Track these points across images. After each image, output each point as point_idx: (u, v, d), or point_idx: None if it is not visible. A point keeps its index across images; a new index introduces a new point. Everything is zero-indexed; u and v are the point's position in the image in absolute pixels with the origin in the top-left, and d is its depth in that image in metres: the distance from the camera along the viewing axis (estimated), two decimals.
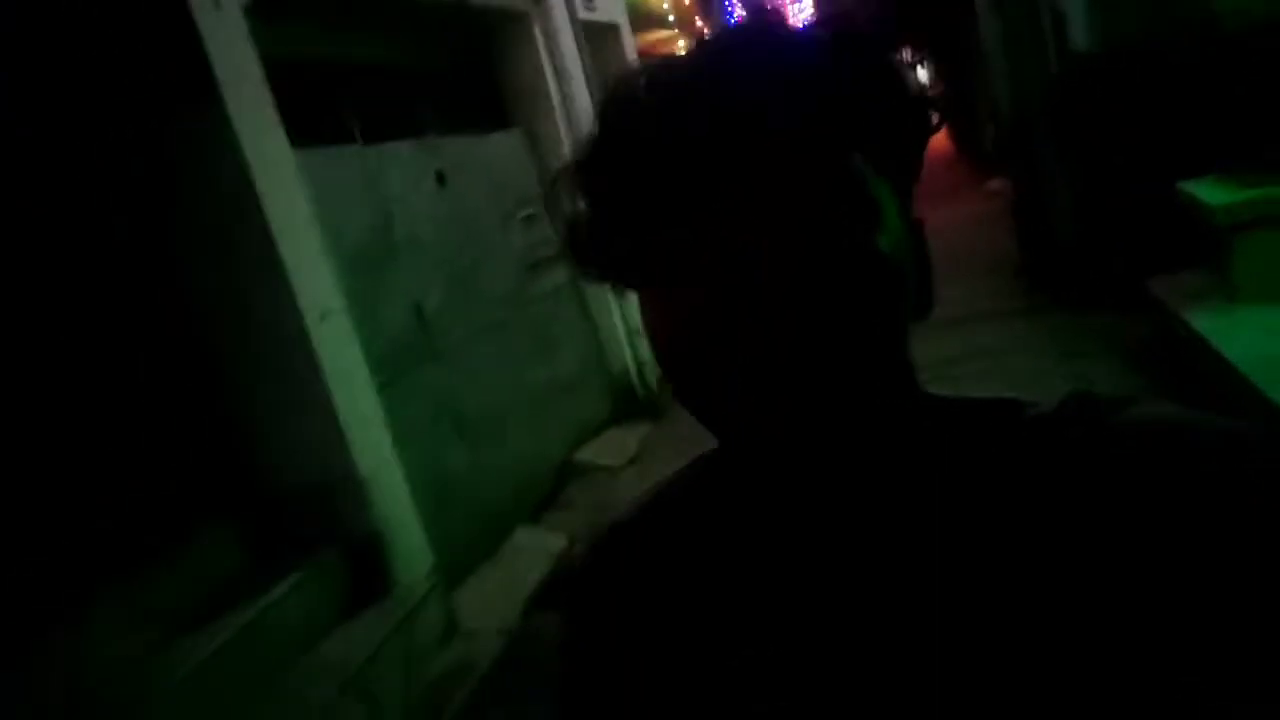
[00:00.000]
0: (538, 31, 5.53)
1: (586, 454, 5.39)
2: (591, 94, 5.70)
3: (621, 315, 5.75)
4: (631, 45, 7.30)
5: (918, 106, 0.49)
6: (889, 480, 0.49)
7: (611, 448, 5.56)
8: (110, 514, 2.58)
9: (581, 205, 0.51)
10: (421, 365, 3.90)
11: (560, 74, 5.60)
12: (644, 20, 8.95)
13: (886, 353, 0.48)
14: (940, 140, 19.11)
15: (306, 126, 3.28)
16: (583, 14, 6.07)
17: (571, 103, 5.58)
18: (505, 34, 5.52)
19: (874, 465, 0.49)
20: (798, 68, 0.46)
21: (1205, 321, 3.53)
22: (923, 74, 24.95)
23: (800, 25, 0.50)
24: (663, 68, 0.49)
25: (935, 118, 0.50)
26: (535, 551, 4.23)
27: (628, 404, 5.85)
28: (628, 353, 5.89)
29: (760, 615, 0.51)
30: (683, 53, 0.52)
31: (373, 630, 2.92)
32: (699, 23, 10.48)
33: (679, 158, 0.45)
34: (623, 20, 7.15)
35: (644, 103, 0.47)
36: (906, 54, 22.43)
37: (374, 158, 3.85)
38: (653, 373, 5.83)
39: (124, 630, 2.38)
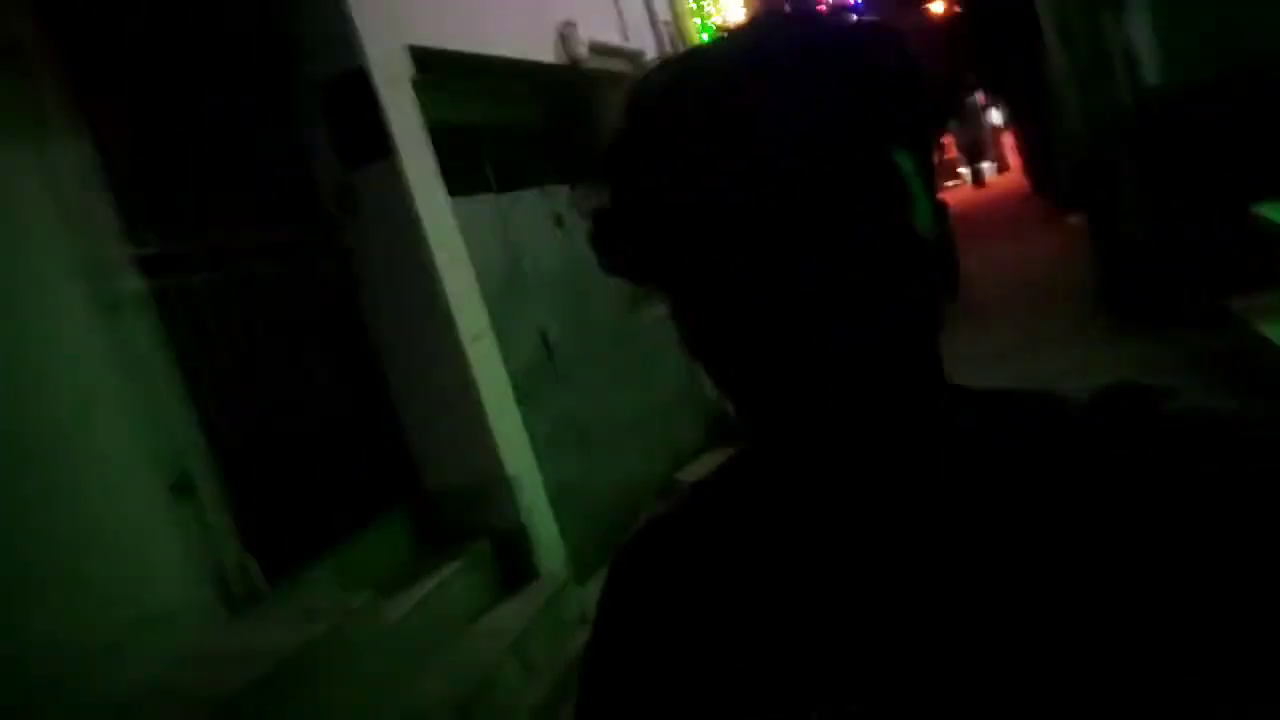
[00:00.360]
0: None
1: (685, 475, 5.79)
2: None
3: None
4: None
5: (938, 95, 0.54)
6: (925, 476, 0.49)
7: (707, 470, 5.94)
8: (316, 500, 3.08)
9: (610, 198, 0.51)
10: (547, 385, 4.37)
11: None
12: None
13: (924, 339, 0.49)
14: (1015, 177, 19.19)
15: (455, 179, 3.81)
16: None
17: None
18: (604, 92, 6.07)
19: (910, 460, 0.49)
20: (832, 59, 0.46)
21: (1268, 325, 3.77)
22: (996, 115, 25.09)
23: (826, 16, 0.49)
24: (693, 58, 0.49)
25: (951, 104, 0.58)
26: None
27: (721, 430, 6.24)
28: None
29: (791, 615, 0.50)
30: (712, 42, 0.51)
31: (524, 608, 3.35)
32: None
33: (719, 151, 0.44)
34: None
35: (680, 94, 0.47)
36: (980, 94, 22.63)
37: (506, 203, 4.38)
38: None
39: (340, 589, 2.86)
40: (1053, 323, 6.38)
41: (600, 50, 5.34)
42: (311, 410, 3.23)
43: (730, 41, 0.49)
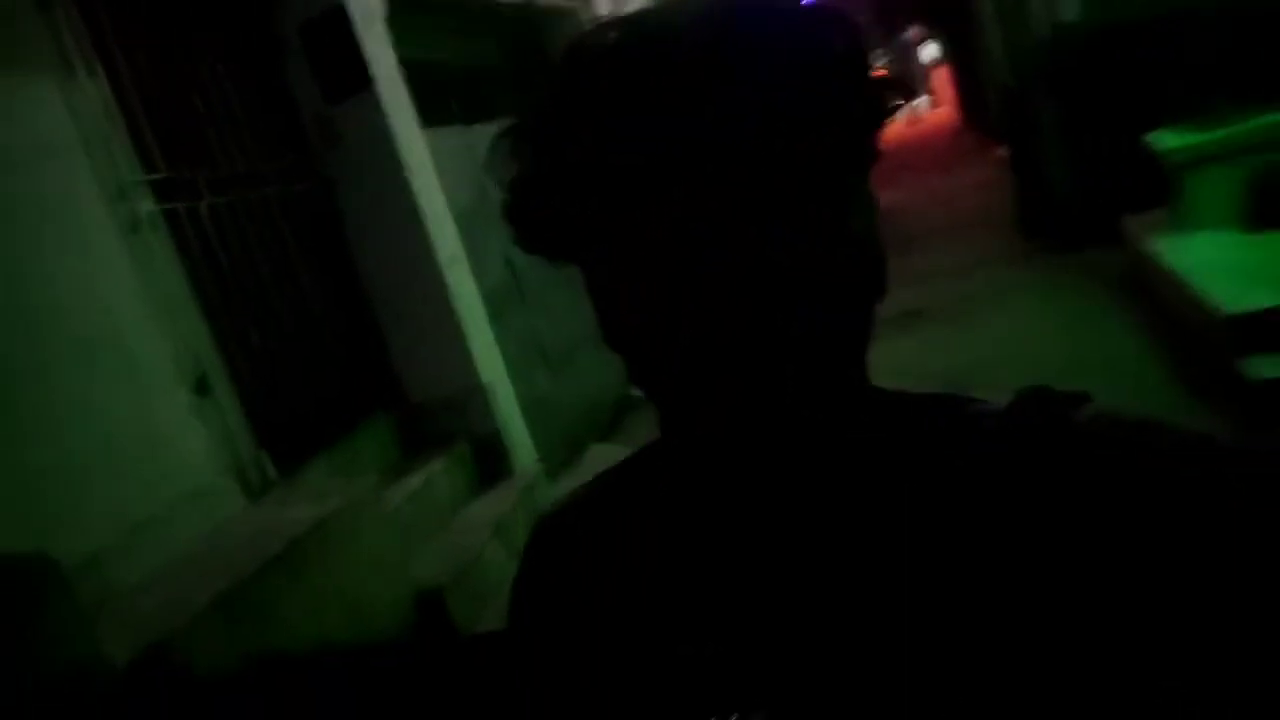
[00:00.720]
0: (582, 24, 6.33)
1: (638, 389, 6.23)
2: None
3: None
4: None
5: (882, 89, 0.47)
6: (830, 477, 0.48)
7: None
8: (314, 404, 3.43)
9: (534, 164, 0.47)
10: (514, 306, 4.73)
11: None
12: None
13: (855, 339, 0.48)
14: (948, 112, 19.69)
15: (426, 113, 4.09)
16: (627, 7, 6.86)
17: None
18: (555, 28, 6.31)
19: (818, 460, 0.48)
20: (789, 37, 0.44)
21: (1158, 244, 4.30)
22: (932, 49, 25.51)
23: None
24: (640, 22, 0.45)
25: (897, 99, 0.48)
26: (607, 462, 5.06)
27: None
28: None
29: (691, 610, 0.50)
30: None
31: (501, 500, 3.76)
32: None
33: (665, 114, 0.42)
34: None
35: (629, 55, 0.44)
36: (914, 30, 22.93)
37: (473, 136, 4.67)
38: None
39: (344, 478, 3.23)
40: (975, 247, 6.91)
41: None
42: (306, 324, 3.55)
43: (681, 8, 0.45)
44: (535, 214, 0.49)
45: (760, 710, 0.46)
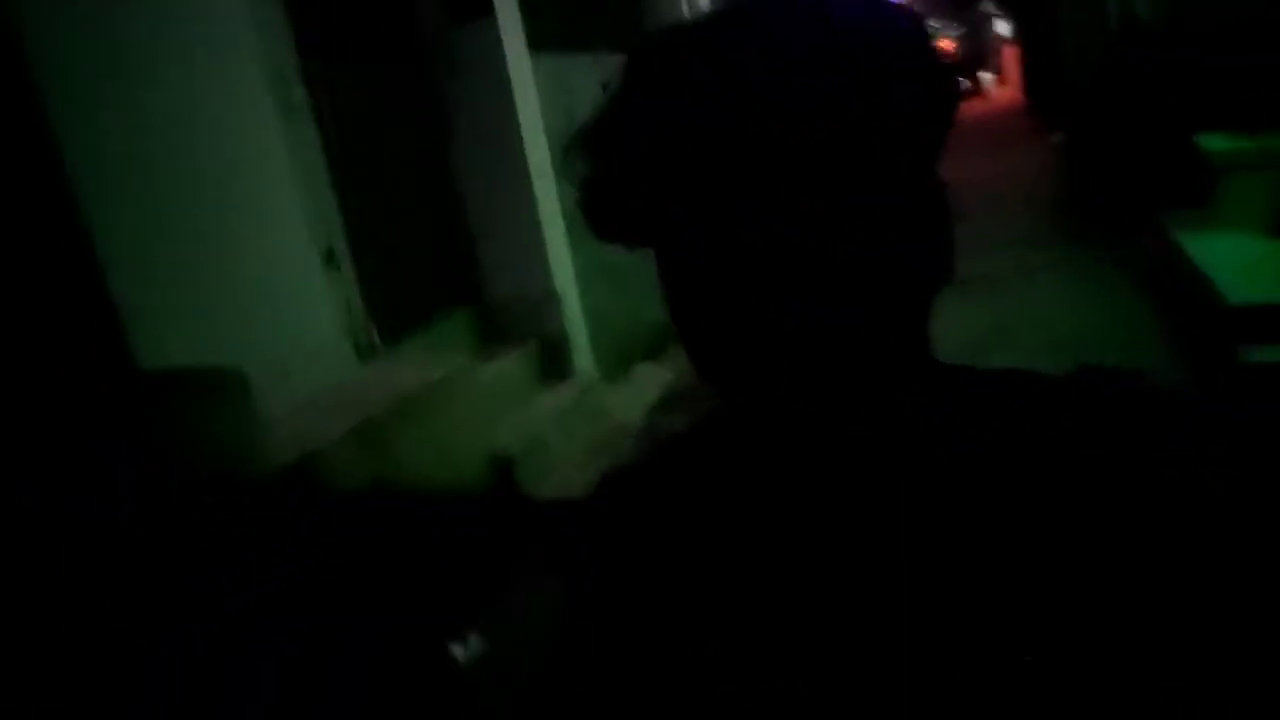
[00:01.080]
0: None
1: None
2: None
3: None
4: None
5: (946, 83, 0.49)
6: (900, 458, 0.49)
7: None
8: (411, 288, 3.90)
9: (602, 164, 0.51)
10: (587, 229, 5.14)
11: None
12: None
13: (918, 318, 0.50)
14: (1012, 92, 19.59)
15: (532, 38, 4.47)
16: None
17: None
18: None
19: (887, 439, 0.49)
20: (844, 36, 0.45)
21: (1188, 240, 4.64)
22: (1004, 26, 25.17)
23: None
24: (706, 27, 0.47)
25: (959, 95, 0.49)
26: (651, 381, 5.52)
27: None
28: None
29: (753, 588, 0.51)
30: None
31: (564, 397, 4.24)
32: None
33: (732, 102, 0.43)
34: None
35: (699, 50, 0.46)
36: (991, 6, 22.60)
37: (565, 64, 5.04)
38: None
39: (435, 356, 3.71)
40: (1017, 226, 7.21)
41: None
42: (411, 218, 4.00)
43: (750, 6, 0.47)
44: (609, 210, 0.53)
45: (770, 698, 0.48)
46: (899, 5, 0.51)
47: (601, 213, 0.54)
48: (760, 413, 0.51)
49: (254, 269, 3.08)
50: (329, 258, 3.40)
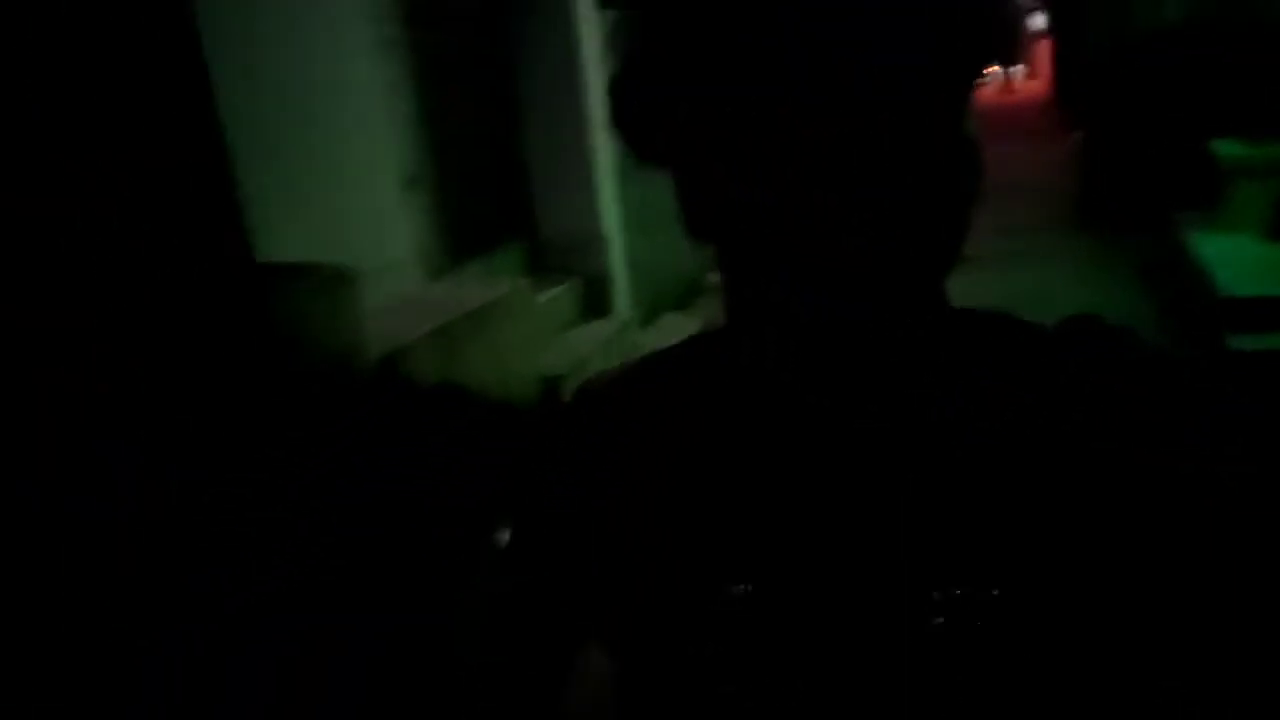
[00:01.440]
0: None
1: (711, 277, 7.03)
2: None
3: None
4: None
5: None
6: (908, 443, 0.49)
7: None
8: (473, 217, 4.25)
9: (642, 49, 0.48)
10: (635, 178, 5.48)
11: None
12: None
13: (960, 241, 0.48)
14: (1041, 86, 19.74)
15: None
16: None
17: None
18: None
19: (897, 424, 0.49)
20: None
21: (1193, 238, 4.98)
22: (1040, 19, 25.23)
23: None
24: None
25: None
26: (678, 329, 5.90)
27: None
28: None
29: (742, 500, 0.51)
30: None
31: (604, 330, 4.61)
32: None
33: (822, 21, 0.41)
34: None
35: None
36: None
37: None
38: None
39: (501, 277, 4.08)
40: (1033, 214, 7.55)
41: None
42: (477, 153, 4.34)
43: None
44: (642, 96, 0.49)
45: (777, 580, 0.48)
46: None
47: (633, 102, 0.51)
48: (775, 312, 0.50)
49: (348, 188, 3.43)
50: (410, 182, 3.75)
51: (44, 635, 1.73)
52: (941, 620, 0.45)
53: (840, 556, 0.48)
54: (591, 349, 4.37)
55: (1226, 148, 5.13)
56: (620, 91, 0.51)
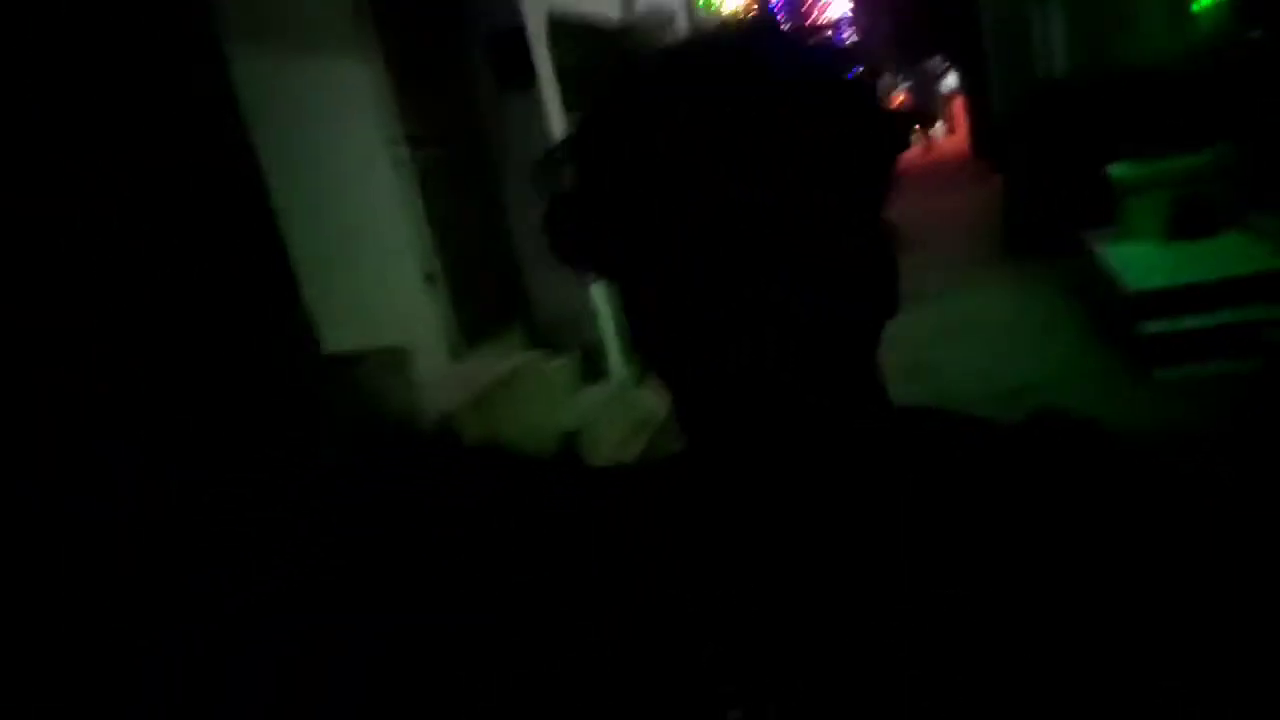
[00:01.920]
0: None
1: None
2: None
3: None
4: None
5: (894, 121, 0.51)
6: (859, 489, 0.50)
7: None
8: (481, 305, 4.84)
9: (579, 179, 0.51)
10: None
11: None
12: None
13: (868, 356, 0.50)
14: (960, 140, 21.11)
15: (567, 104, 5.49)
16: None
17: None
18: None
19: (847, 470, 0.50)
20: (828, 77, 0.48)
21: (1102, 249, 5.72)
22: (952, 80, 26.99)
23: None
24: (691, 53, 0.49)
25: (909, 133, 0.53)
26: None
27: None
28: None
29: (719, 612, 0.51)
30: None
31: (602, 392, 5.17)
32: None
33: (721, 144, 0.44)
34: None
35: (666, 74, 0.47)
36: (939, 62, 24.23)
37: None
38: None
39: (510, 354, 4.64)
40: (963, 252, 8.38)
41: (649, 10, 7.03)
42: (479, 249, 4.96)
43: (726, 41, 0.49)
44: (567, 228, 0.53)
45: (770, 704, 0.48)
46: (843, 50, 0.56)
47: (568, 231, 0.54)
48: (725, 445, 0.50)
49: (384, 286, 4.02)
50: (429, 279, 4.34)
51: (44, 635, 1.72)
52: None
53: (827, 680, 0.48)
54: (595, 407, 4.93)
55: (1119, 170, 5.92)
56: (554, 223, 0.55)
